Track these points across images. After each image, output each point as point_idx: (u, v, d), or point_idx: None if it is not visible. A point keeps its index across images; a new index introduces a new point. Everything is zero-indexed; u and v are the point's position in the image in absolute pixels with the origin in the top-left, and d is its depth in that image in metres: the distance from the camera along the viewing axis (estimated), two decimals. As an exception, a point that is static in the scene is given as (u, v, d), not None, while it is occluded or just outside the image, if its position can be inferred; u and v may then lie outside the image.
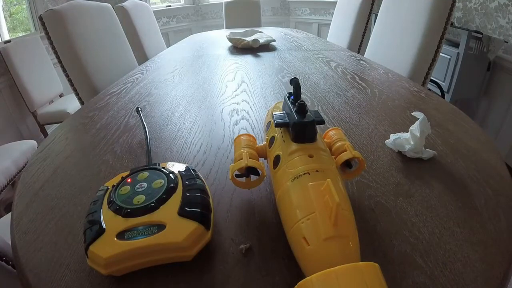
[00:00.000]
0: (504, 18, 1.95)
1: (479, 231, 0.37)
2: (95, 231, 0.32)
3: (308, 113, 0.35)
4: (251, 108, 0.77)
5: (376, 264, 0.23)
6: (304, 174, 0.30)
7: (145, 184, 0.37)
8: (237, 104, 0.80)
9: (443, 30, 1.08)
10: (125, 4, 1.77)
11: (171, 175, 0.38)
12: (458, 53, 2.03)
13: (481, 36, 1.96)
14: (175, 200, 0.34)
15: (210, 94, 0.89)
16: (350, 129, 0.64)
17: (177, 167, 0.41)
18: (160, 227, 0.31)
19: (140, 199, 0.34)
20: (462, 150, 0.54)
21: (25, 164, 1.60)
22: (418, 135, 0.50)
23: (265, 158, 0.41)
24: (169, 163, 0.42)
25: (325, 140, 0.40)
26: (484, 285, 0.30)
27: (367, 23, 1.78)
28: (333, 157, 0.37)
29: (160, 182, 0.37)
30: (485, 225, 0.37)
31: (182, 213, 0.33)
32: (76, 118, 0.80)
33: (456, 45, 2.08)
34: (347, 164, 0.39)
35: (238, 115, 0.73)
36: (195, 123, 0.69)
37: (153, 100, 0.87)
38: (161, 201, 0.34)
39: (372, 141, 0.58)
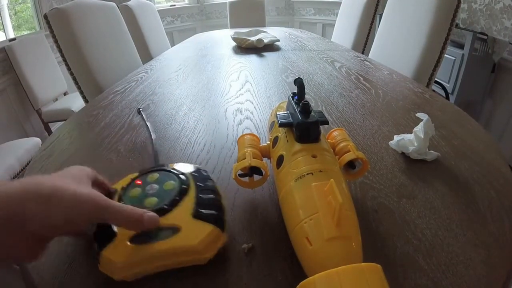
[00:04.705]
0: (509, 20, 1.94)
1: (482, 233, 0.36)
2: (106, 235, 0.31)
3: (312, 113, 0.35)
4: (255, 108, 0.77)
5: (378, 265, 0.23)
6: (308, 174, 0.30)
7: (156, 186, 0.36)
8: (241, 103, 0.80)
9: (448, 31, 1.08)
10: (129, 3, 1.78)
11: (182, 176, 0.37)
12: (463, 54, 2.02)
13: (486, 37, 1.95)
14: (188, 202, 0.34)
15: (214, 94, 0.89)
16: (354, 129, 0.63)
17: (187, 168, 0.40)
18: (175, 230, 0.31)
19: (151, 201, 0.34)
20: (466, 152, 0.54)
21: (29, 162, 1.62)
22: (422, 137, 0.49)
23: (269, 158, 0.41)
24: (178, 164, 0.41)
25: (328, 140, 0.40)
26: (487, 287, 0.30)
27: (371, 24, 1.77)
28: (337, 157, 0.37)
29: (172, 184, 0.36)
30: (488, 227, 0.37)
31: (196, 215, 0.32)
32: (80, 116, 0.80)
33: (460, 46, 2.07)
34: (351, 164, 0.39)
35: (242, 114, 0.73)
36: (199, 122, 0.70)
37: (157, 99, 0.87)
38: (174, 203, 0.33)
39: (375, 142, 0.58)
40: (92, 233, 0.32)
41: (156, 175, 0.38)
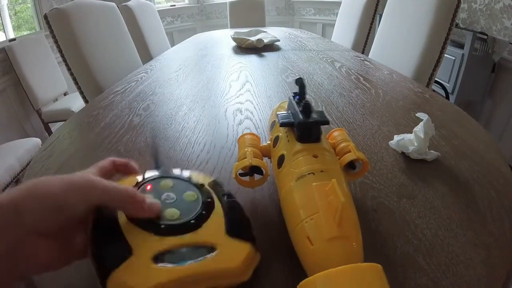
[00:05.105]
0: (509, 20, 1.94)
1: (482, 233, 0.36)
2: (119, 251, 0.25)
3: (313, 113, 0.35)
4: (255, 108, 0.77)
5: (379, 265, 0.23)
6: (309, 174, 0.30)
7: (173, 196, 0.31)
8: (241, 103, 0.80)
9: (448, 31, 1.08)
10: (129, 3, 1.78)
11: (202, 187, 0.33)
12: (463, 54, 2.02)
13: (486, 37, 1.95)
14: (217, 217, 0.29)
15: (214, 94, 0.89)
16: (354, 129, 0.63)
17: (202, 179, 0.35)
18: (209, 249, 0.26)
19: (173, 213, 0.28)
20: (466, 152, 0.54)
21: (29, 162, 1.62)
22: (422, 136, 0.50)
23: (269, 158, 0.41)
24: (190, 171, 0.36)
25: (329, 140, 0.40)
26: (487, 287, 0.30)
27: (371, 24, 1.77)
28: (337, 158, 0.37)
29: (193, 195, 0.31)
30: (488, 227, 0.37)
31: (231, 232, 0.28)
32: (80, 117, 0.80)
33: (460, 46, 2.07)
34: (351, 165, 0.39)
35: (242, 114, 0.73)
36: (199, 123, 0.70)
37: (157, 99, 0.87)
38: (202, 218, 0.29)
39: (375, 142, 0.58)
40: (92, 246, 0.26)
41: (169, 182, 0.33)
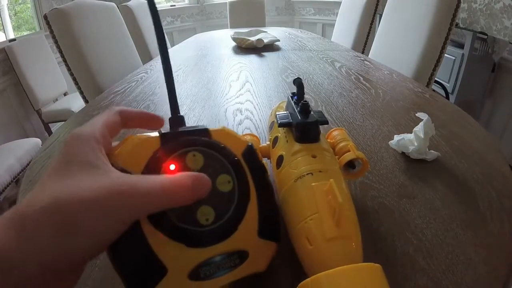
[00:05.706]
0: (509, 20, 1.94)
1: (483, 233, 0.36)
2: (151, 271, 0.21)
3: (312, 113, 0.35)
4: (255, 108, 0.77)
5: (378, 265, 0.23)
6: (307, 174, 0.30)
7: None
8: (241, 103, 0.80)
9: (448, 31, 1.08)
10: (129, 3, 1.78)
11: (238, 167, 0.26)
12: (463, 54, 2.03)
13: (486, 37, 1.95)
14: (252, 214, 0.25)
15: (214, 94, 0.89)
16: (354, 129, 0.63)
17: (235, 143, 0.27)
18: (242, 256, 0.24)
19: (207, 214, 0.23)
20: (466, 152, 0.54)
21: (29, 162, 1.61)
22: (422, 136, 0.49)
23: (269, 158, 0.41)
24: (220, 128, 0.28)
25: (328, 140, 0.40)
26: (487, 287, 0.30)
27: (371, 24, 1.77)
28: (337, 157, 0.37)
29: (228, 182, 0.25)
30: (489, 227, 0.37)
31: (263, 233, 0.25)
32: (81, 117, 0.80)
33: (461, 46, 2.07)
34: (351, 164, 0.39)
35: (242, 114, 0.73)
36: (199, 123, 0.70)
37: (157, 99, 0.87)
38: (238, 217, 0.24)
39: (375, 142, 0.58)
40: (116, 265, 0.21)
41: (199, 157, 0.24)
